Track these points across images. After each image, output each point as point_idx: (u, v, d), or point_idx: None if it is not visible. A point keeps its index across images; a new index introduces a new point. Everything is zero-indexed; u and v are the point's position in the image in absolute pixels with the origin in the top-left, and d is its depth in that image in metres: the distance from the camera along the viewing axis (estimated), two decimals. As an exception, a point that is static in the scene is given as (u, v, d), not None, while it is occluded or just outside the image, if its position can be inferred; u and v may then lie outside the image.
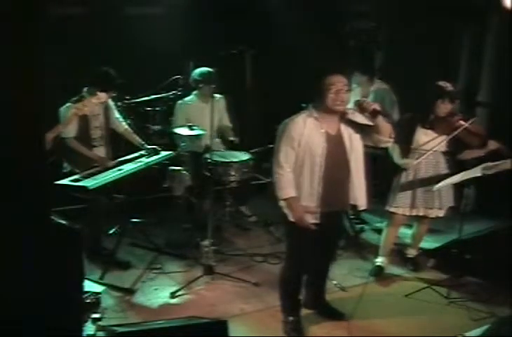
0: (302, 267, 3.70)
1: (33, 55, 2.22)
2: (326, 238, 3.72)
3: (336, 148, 3.45)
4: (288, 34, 5.61)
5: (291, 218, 3.50)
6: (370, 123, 3.46)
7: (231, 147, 5.19)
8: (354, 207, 3.64)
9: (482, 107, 5.67)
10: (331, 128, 3.46)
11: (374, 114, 3.40)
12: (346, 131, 3.49)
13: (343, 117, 3.48)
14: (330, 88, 3.34)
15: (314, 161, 3.41)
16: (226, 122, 5.33)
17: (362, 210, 3.83)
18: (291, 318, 3.77)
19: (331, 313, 3.94)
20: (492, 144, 4.19)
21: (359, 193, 3.56)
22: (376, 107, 3.41)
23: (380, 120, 3.43)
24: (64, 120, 4.07)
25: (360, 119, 3.49)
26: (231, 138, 5.21)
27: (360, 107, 3.44)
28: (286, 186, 3.44)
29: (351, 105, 3.52)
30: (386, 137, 3.50)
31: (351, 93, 3.46)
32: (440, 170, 4.32)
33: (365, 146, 3.60)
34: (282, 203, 3.53)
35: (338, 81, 3.37)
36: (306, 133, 3.40)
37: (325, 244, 3.79)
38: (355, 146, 3.50)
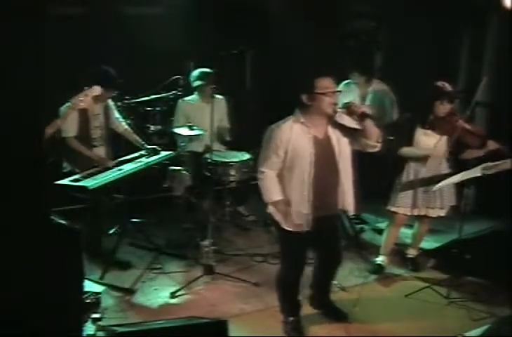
0: (297, 269, 3.68)
1: (33, 55, 2.22)
2: (323, 241, 3.71)
3: (324, 152, 3.42)
4: (288, 34, 5.61)
5: (281, 224, 3.51)
6: (357, 127, 3.43)
7: (226, 146, 5.19)
8: (343, 212, 3.63)
9: (482, 107, 5.66)
10: (319, 132, 3.43)
11: (362, 117, 3.37)
12: (334, 134, 3.46)
13: (330, 119, 3.44)
14: (325, 91, 3.30)
15: (303, 167, 3.39)
16: (225, 123, 5.33)
17: (355, 214, 3.83)
18: (291, 318, 3.77)
19: (335, 314, 3.92)
20: (492, 145, 4.19)
21: (347, 198, 3.54)
22: (365, 110, 3.38)
23: (368, 124, 3.39)
24: (62, 115, 4.07)
25: (348, 121, 3.46)
26: (227, 138, 5.22)
27: (349, 109, 3.41)
28: (272, 191, 3.45)
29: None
30: (373, 142, 3.45)
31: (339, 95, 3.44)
32: (441, 170, 4.32)
33: None
34: (270, 209, 3.54)
35: (330, 84, 3.34)
36: (293, 139, 3.37)
37: (323, 247, 3.78)
38: (343, 149, 3.47)
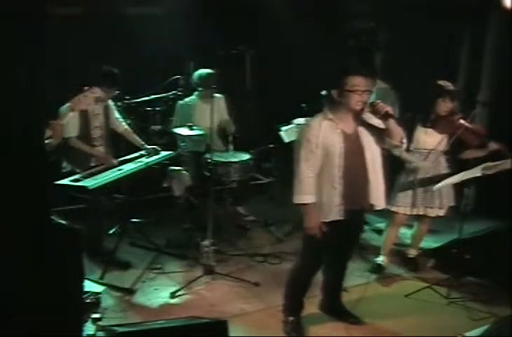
0: (315, 267, 3.68)
1: (33, 55, 2.22)
2: (347, 237, 3.69)
3: (353, 147, 3.46)
4: (288, 34, 5.62)
5: (304, 225, 3.50)
6: (383, 127, 3.47)
7: (231, 142, 5.19)
8: (371, 207, 3.60)
9: (482, 106, 5.66)
10: (347, 127, 3.47)
11: (385, 117, 3.43)
12: (364, 131, 3.51)
13: (358, 118, 3.49)
14: (354, 89, 3.34)
15: (333, 161, 3.41)
16: (226, 117, 5.32)
17: (378, 210, 3.80)
18: (291, 318, 3.76)
19: (347, 317, 3.89)
20: (492, 146, 4.19)
21: (376, 193, 3.55)
22: (389, 110, 3.43)
23: (391, 123, 3.45)
24: (62, 117, 4.06)
25: (375, 121, 3.51)
26: (231, 132, 5.21)
27: (373, 108, 3.46)
28: (304, 192, 3.43)
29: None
30: (397, 142, 3.51)
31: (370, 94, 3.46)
32: (440, 170, 4.32)
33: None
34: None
35: (361, 82, 3.37)
36: (322, 135, 3.41)
37: (345, 243, 3.76)
38: (372, 145, 3.51)
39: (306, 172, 3.43)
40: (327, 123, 3.44)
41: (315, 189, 3.46)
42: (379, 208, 3.64)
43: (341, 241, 3.68)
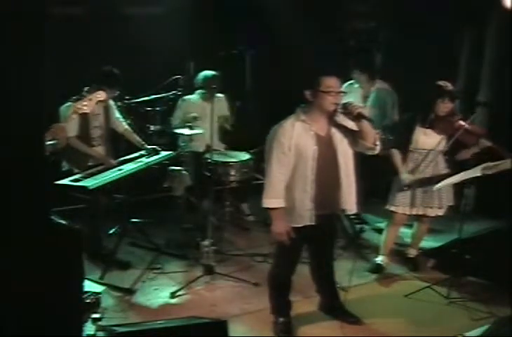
0: (289, 268, 3.66)
1: (33, 55, 2.22)
2: (320, 240, 3.70)
3: (326, 149, 3.42)
4: (288, 34, 5.62)
5: (271, 229, 3.50)
6: (356, 128, 3.43)
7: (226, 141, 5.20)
8: (343, 211, 3.59)
9: (482, 106, 5.66)
10: (320, 129, 3.43)
11: (358, 118, 3.37)
12: (337, 134, 3.47)
13: (332, 120, 3.45)
14: (329, 90, 3.31)
15: (306, 164, 3.38)
16: (226, 112, 5.33)
17: (355, 214, 3.81)
18: (281, 319, 3.74)
19: (346, 317, 3.89)
20: (484, 143, 4.19)
21: (348, 197, 3.52)
22: (362, 110, 3.38)
23: (364, 125, 3.39)
24: (64, 119, 4.07)
25: (349, 123, 3.47)
26: (228, 127, 5.24)
27: (346, 109, 3.41)
28: (274, 196, 3.42)
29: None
30: (370, 144, 3.44)
31: (343, 95, 3.45)
32: (440, 170, 4.33)
33: None
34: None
35: (335, 84, 3.36)
36: (296, 136, 3.36)
37: (320, 246, 3.78)
38: (345, 148, 3.47)
39: (277, 175, 3.39)
40: (301, 125, 3.39)
41: (287, 193, 3.43)
42: (350, 213, 3.64)
43: (316, 244, 3.70)
